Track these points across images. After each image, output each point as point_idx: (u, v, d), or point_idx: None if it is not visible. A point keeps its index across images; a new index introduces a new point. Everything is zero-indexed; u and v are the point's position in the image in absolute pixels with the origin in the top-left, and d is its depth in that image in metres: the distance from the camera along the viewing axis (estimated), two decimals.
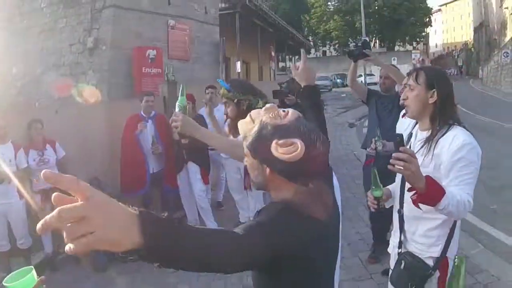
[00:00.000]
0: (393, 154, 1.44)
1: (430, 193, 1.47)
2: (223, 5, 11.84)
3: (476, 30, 46.52)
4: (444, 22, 65.18)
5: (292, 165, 1.03)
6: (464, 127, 1.73)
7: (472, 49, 47.53)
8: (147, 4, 7.89)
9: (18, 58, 8.15)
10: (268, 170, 1.09)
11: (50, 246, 4.12)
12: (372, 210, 1.90)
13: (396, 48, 49.47)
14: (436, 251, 1.75)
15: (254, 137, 1.12)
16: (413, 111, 1.81)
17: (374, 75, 32.36)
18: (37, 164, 3.99)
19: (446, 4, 66.07)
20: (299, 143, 1.02)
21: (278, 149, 1.03)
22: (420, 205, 1.58)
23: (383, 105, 3.63)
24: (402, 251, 1.85)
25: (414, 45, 50.09)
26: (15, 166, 3.77)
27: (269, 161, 1.07)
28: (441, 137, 1.71)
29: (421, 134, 1.84)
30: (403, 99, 1.83)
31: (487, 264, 3.52)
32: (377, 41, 49.24)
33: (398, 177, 1.91)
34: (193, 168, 4.68)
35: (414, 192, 1.51)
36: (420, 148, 1.77)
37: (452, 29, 61.51)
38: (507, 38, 30.13)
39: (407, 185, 1.67)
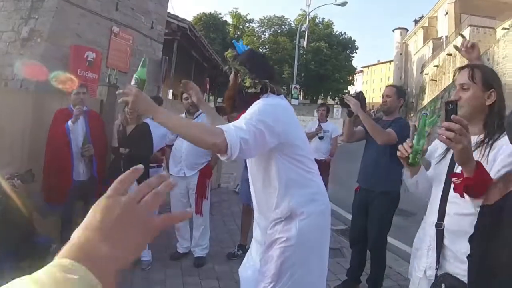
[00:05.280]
0: (444, 123, 1.22)
1: (479, 178, 1.23)
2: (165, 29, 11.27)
3: None
4: (365, 83, 71.11)
5: None
6: None
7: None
8: (93, 4, 7.30)
9: None
10: None
11: None
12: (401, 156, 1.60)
13: (319, 101, 52.53)
14: None
15: None
16: (466, 114, 1.55)
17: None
18: None
19: (368, 66, 72.67)
20: None
21: None
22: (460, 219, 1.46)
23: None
24: (439, 273, 1.56)
25: (336, 100, 53.72)
26: None
27: None
28: (496, 140, 1.52)
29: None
30: (455, 100, 1.61)
31: None
32: (302, 93, 51.92)
33: (438, 188, 1.66)
34: None
35: (457, 178, 1.29)
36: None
37: (371, 90, 66.73)
38: (425, 102, 33.75)
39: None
